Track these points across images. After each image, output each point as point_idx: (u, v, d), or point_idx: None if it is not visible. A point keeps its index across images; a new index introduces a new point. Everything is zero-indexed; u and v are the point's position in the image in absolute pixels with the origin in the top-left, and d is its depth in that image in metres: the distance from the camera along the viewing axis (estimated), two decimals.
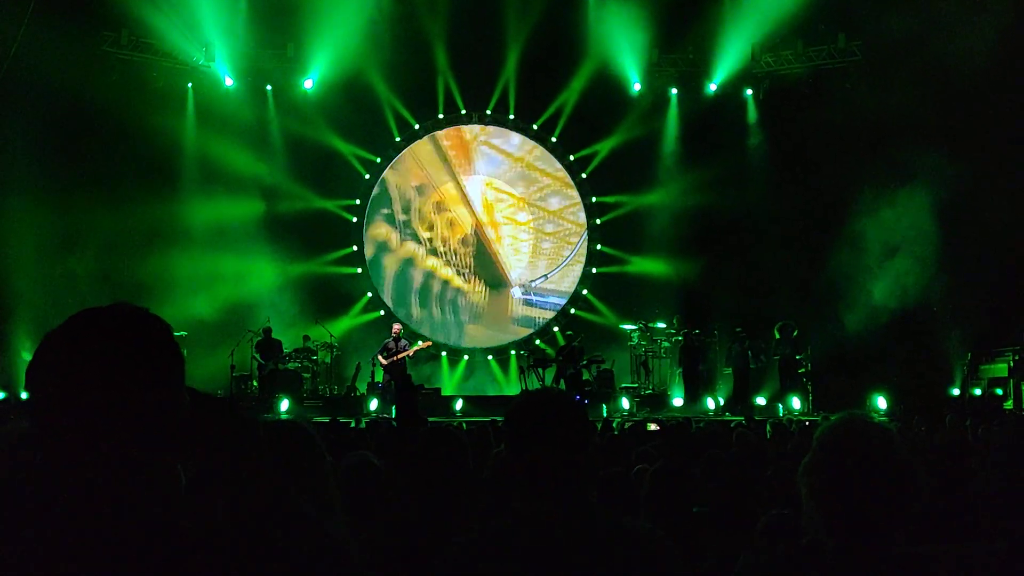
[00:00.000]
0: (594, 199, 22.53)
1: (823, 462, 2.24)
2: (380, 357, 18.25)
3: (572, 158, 22.50)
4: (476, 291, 22.41)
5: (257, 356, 17.98)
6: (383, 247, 22.45)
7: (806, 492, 2.26)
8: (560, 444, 2.32)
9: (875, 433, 2.25)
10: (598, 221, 22.55)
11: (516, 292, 22.56)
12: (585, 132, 22.01)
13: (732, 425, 11.69)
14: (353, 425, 12.92)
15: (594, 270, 22.57)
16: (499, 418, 10.66)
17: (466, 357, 22.06)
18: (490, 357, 22.26)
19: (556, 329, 22.24)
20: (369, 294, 22.02)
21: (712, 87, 21.48)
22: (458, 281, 22.45)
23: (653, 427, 11.24)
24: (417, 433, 2.93)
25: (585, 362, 18.72)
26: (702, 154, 20.95)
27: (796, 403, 17.96)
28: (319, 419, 14.49)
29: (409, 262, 22.46)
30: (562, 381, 18.27)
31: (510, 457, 2.40)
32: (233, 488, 1.97)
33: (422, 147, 22.52)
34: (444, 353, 21.90)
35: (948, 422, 10.58)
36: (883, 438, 2.24)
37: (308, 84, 20.85)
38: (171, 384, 1.71)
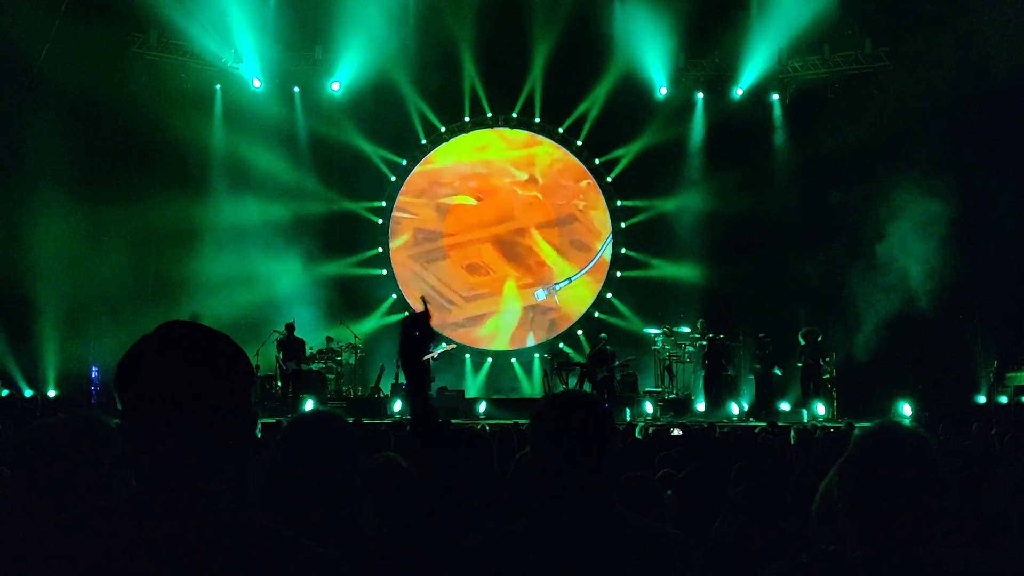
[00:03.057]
0: (619, 203, 22.50)
1: (861, 466, 2.24)
2: None
3: (597, 161, 22.48)
4: (500, 294, 22.37)
5: (279, 355, 17.96)
6: (408, 249, 22.49)
7: (838, 494, 2.26)
8: (585, 446, 2.33)
9: (913, 440, 2.24)
10: (623, 225, 22.52)
11: (540, 295, 22.53)
12: (611, 136, 21.96)
13: (756, 431, 11.67)
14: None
15: (618, 274, 22.52)
16: (522, 421, 10.66)
17: (490, 360, 22.05)
18: (514, 360, 22.25)
19: (580, 333, 22.23)
20: (394, 295, 22.07)
21: (738, 92, 21.43)
22: (482, 284, 22.44)
23: (676, 432, 11.20)
24: (441, 436, 2.93)
25: (618, 364, 18.70)
26: (728, 159, 20.92)
27: (820, 409, 17.84)
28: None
29: (434, 263, 22.49)
30: (587, 383, 18.23)
31: (534, 458, 2.41)
32: None
33: (446, 149, 22.57)
34: (468, 356, 21.89)
35: (974, 430, 10.51)
36: (921, 446, 2.23)
37: (335, 86, 20.94)
38: (242, 394, 1.88)
